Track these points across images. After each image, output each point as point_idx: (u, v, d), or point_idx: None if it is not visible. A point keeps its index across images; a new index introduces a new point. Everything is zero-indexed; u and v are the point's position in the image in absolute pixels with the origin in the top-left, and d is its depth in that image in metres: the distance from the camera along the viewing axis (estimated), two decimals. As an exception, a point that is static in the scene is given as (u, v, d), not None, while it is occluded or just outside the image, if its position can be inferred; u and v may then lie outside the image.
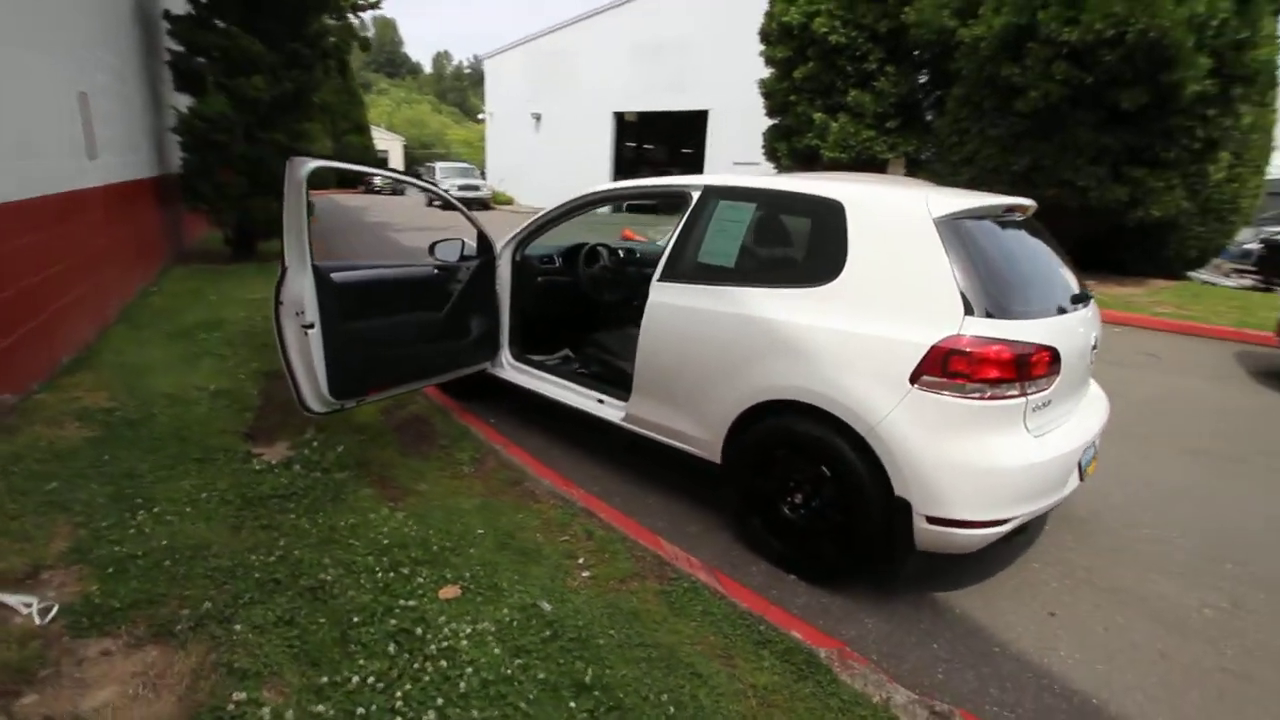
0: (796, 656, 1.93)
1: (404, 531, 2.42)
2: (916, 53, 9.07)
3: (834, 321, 2.28)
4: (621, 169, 24.64)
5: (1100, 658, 2.10)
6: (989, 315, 2.08)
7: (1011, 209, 2.57)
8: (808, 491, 2.39)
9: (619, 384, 3.26)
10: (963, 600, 2.36)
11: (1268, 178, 10.01)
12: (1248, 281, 10.56)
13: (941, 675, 2.00)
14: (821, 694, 1.80)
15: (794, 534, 2.45)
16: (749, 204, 2.67)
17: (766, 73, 11.95)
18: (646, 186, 3.15)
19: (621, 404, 3.05)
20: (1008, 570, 2.55)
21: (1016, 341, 2.07)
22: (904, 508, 2.13)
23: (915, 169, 10.60)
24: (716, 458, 2.65)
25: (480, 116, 34.02)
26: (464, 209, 3.43)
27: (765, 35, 11.24)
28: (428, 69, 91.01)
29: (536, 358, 3.92)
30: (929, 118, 9.92)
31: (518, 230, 3.63)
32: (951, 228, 2.20)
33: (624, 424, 3.01)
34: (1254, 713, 1.91)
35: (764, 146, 12.31)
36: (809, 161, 11.04)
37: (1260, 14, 7.18)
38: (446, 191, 3.60)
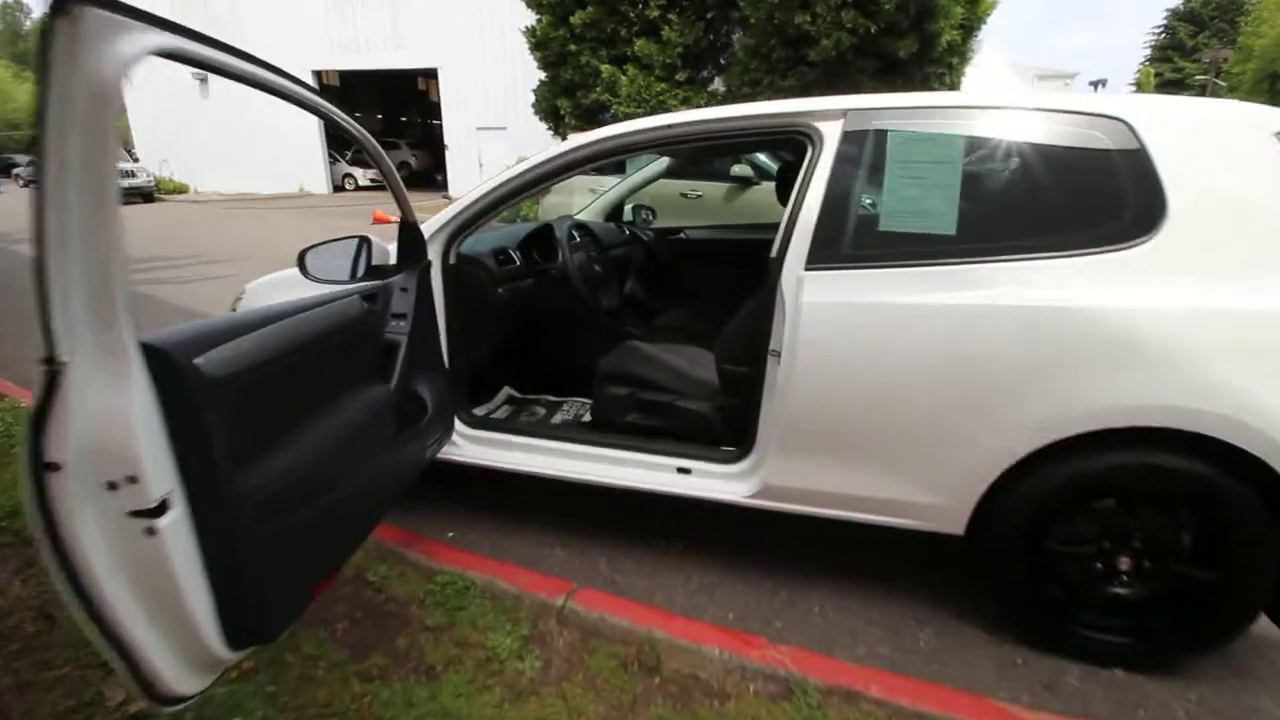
0: None
1: None
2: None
3: (1178, 298, 1.48)
4: (330, 142, 20.81)
5: None
6: None
7: None
8: (1148, 552, 1.61)
9: (690, 435, 2.08)
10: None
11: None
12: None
13: None
14: None
15: (1121, 611, 1.65)
16: (953, 136, 1.69)
17: (517, 22, 10.60)
18: (712, 124, 1.91)
19: (736, 470, 1.89)
20: None
21: None
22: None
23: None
24: (957, 528, 1.70)
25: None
26: (389, 167, 1.75)
27: (525, -26, 9.85)
28: (-8, 20, 66.95)
29: (484, 412, 2.47)
30: (721, 64, 9.73)
31: (441, 217, 2.10)
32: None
33: (754, 502, 1.87)
34: None
35: (537, 105, 11.02)
36: (597, 119, 10.13)
37: (987, -30, 8.24)
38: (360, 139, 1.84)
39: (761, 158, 6.41)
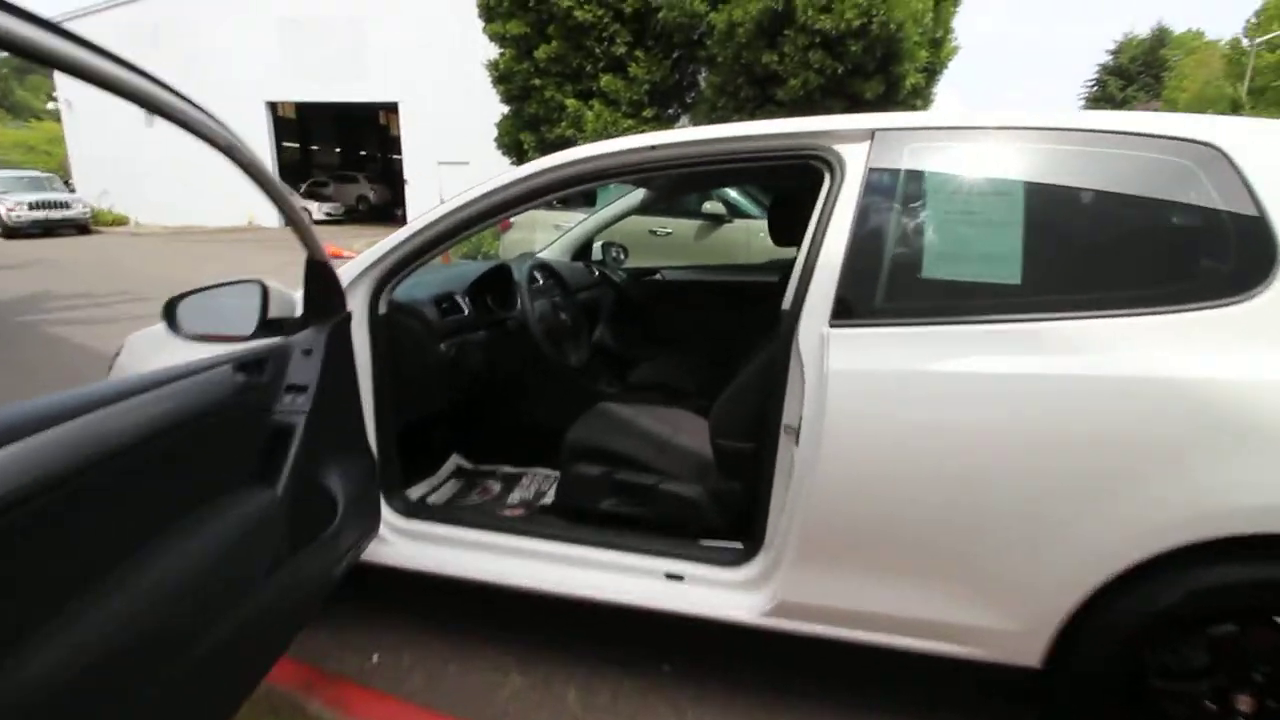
0: None
1: None
2: (673, 37, 8.60)
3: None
4: (285, 174, 20.16)
5: None
6: None
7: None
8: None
9: (680, 526, 1.68)
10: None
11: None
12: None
13: None
14: None
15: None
16: (1012, 163, 1.37)
17: (479, 55, 10.37)
18: (706, 145, 1.55)
19: (742, 576, 1.48)
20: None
21: None
22: None
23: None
24: (1032, 659, 1.33)
25: (51, 106, 24.62)
26: (289, 205, 1.31)
27: (488, 8, 9.62)
28: (-74, 44, 64.24)
29: (422, 493, 2.03)
30: (688, 102, 9.62)
31: (368, 256, 1.68)
32: None
33: (769, 623, 1.45)
34: None
35: (499, 139, 10.72)
36: (559, 154, 9.86)
37: (948, 15, 8.36)
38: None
39: (733, 194, 6.18)
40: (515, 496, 2.18)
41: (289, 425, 1.25)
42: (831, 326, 1.33)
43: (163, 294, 1.48)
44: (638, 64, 8.99)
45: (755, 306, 2.70)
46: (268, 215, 19.42)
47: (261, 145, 18.77)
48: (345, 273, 1.65)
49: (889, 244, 1.36)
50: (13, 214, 15.42)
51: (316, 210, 20.35)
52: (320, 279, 1.45)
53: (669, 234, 6.35)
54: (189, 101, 0.98)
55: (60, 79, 20.58)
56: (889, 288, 1.35)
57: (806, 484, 1.34)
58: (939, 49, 8.41)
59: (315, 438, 1.32)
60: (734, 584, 1.50)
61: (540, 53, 9.13)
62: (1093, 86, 41.60)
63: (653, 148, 1.55)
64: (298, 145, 24.13)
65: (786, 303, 1.44)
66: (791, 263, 2.71)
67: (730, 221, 6.26)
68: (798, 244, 2.48)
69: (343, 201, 21.45)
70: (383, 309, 1.71)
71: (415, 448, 2.03)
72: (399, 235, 1.70)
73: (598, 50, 9.05)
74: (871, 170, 1.39)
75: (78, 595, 0.83)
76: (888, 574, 1.35)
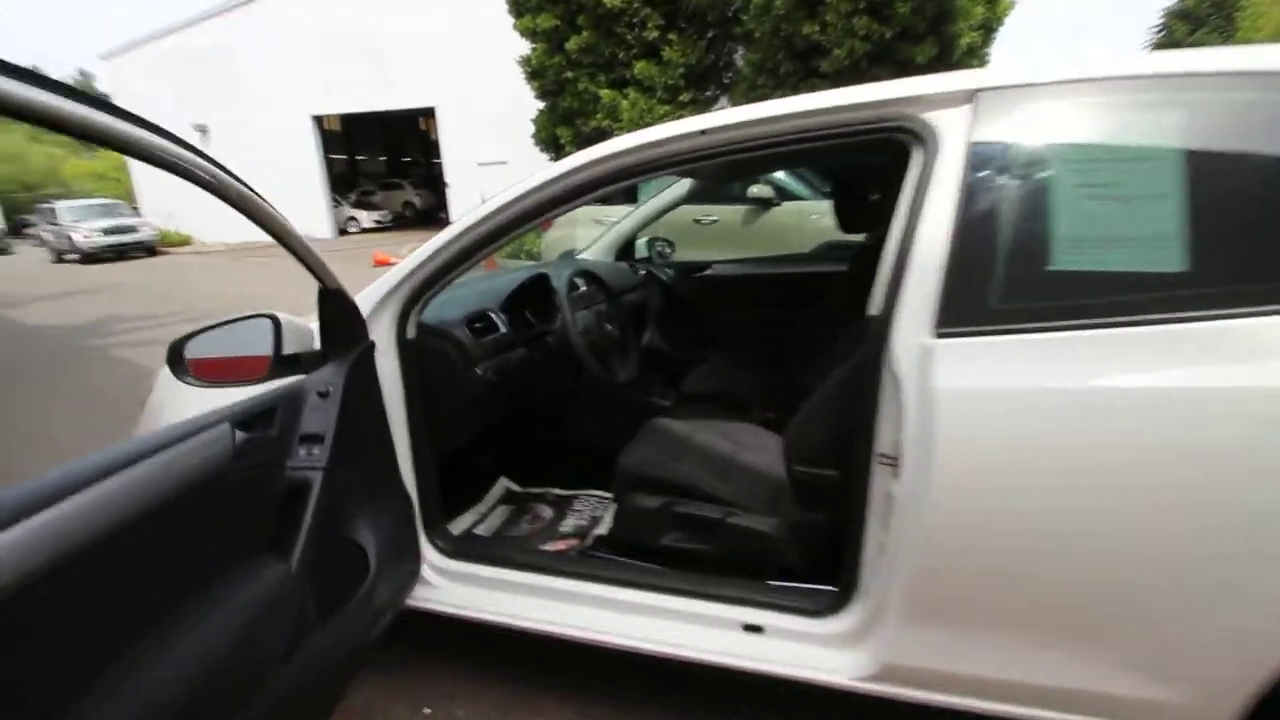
0: None
1: None
2: (706, 16, 8.27)
3: None
4: (335, 186, 20.67)
5: None
6: None
7: None
8: None
9: (753, 564, 1.47)
10: None
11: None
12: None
13: None
14: None
15: None
16: (1166, 119, 1.09)
17: (512, 52, 10.23)
18: (765, 125, 1.30)
19: (835, 630, 1.26)
20: None
21: None
22: None
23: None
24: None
25: (113, 137, 25.86)
26: (282, 229, 1.15)
27: (517, 3, 9.48)
28: (8, 86, 69.04)
29: (470, 524, 1.89)
30: (726, 83, 9.27)
31: (391, 277, 1.52)
32: None
33: (870, 688, 1.23)
34: None
35: (536, 135, 10.61)
36: (597, 147, 9.65)
37: (1004, -33, 7.74)
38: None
39: (780, 175, 5.85)
40: (568, 524, 2.01)
41: (304, 481, 1.10)
42: (937, 336, 1.09)
43: (220, 311, 1.37)
44: (671, 47, 8.68)
45: (818, 300, 2.44)
46: (320, 228, 20.02)
47: (310, 159, 19.32)
48: (368, 296, 1.50)
49: (1005, 231, 1.10)
50: (88, 240, 16.35)
51: (366, 219, 20.81)
52: (336, 309, 1.30)
53: (714, 221, 6.08)
54: (197, 152, 0.86)
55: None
56: (1008, 285, 1.09)
57: (913, 524, 1.11)
58: (994, 3, 7.80)
59: (337, 490, 1.17)
60: (825, 638, 1.28)
61: (571, 44, 8.92)
62: (1159, 33, 38.65)
63: (703, 132, 1.33)
64: (345, 156, 24.71)
65: (874, 307, 1.20)
66: (859, 247, 2.45)
67: (779, 204, 5.95)
68: (870, 230, 2.22)
69: (389, 209, 21.87)
70: (411, 333, 1.54)
71: (459, 475, 1.88)
72: (425, 250, 1.52)
73: (629, 37, 8.78)
74: (976, 140, 1.13)
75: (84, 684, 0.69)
76: (1025, 633, 1.11)
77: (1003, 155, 1.13)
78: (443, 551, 1.62)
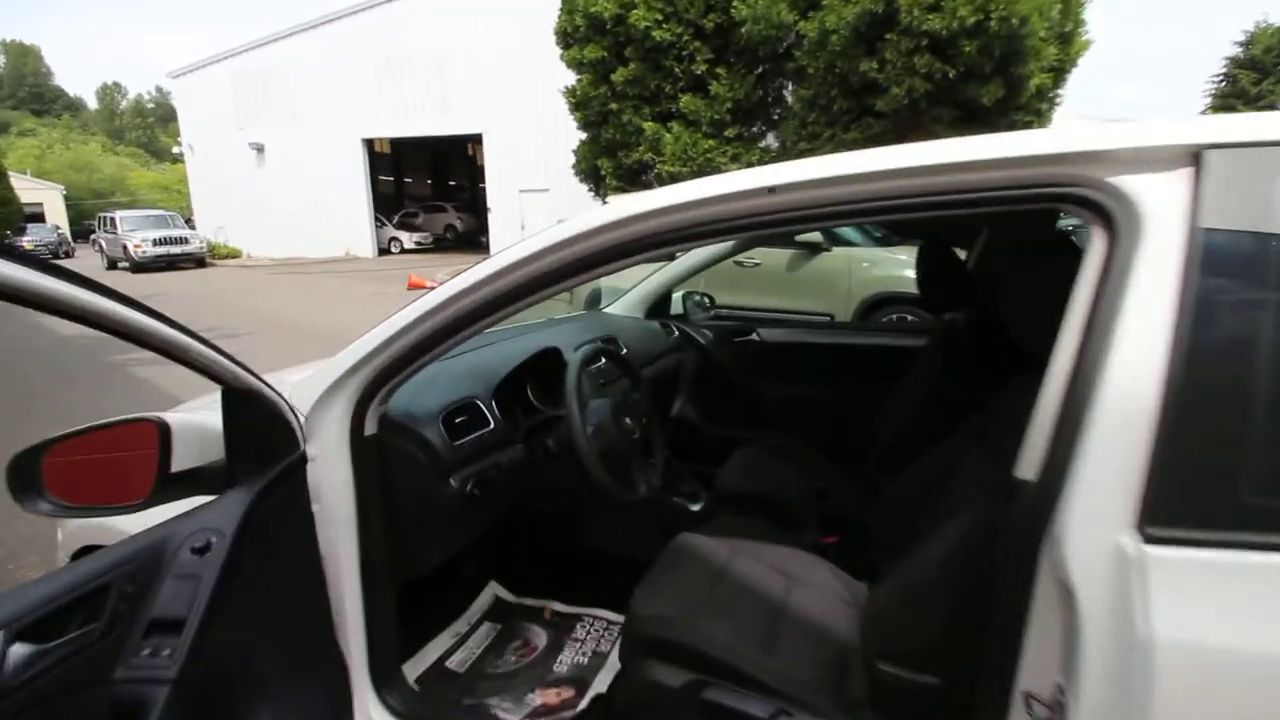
0: None
1: None
2: (757, 51, 8.01)
3: None
4: (381, 206, 21.01)
5: None
6: None
7: None
8: None
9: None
10: None
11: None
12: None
13: None
14: None
15: None
16: None
17: (558, 83, 10.14)
18: (862, 186, 0.92)
19: None
20: None
21: None
22: None
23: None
24: None
25: (176, 150, 27.09)
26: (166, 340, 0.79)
27: (565, 35, 9.39)
28: (92, 104, 73.79)
29: (445, 649, 1.49)
30: (775, 119, 8.95)
31: (351, 354, 1.15)
32: None
33: None
34: None
35: (577, 165, 10.44)
36: (638, 179, 9.42)
37: (1077, 5, 7.30)
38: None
39: (831, 220, 5.45)
40: (565, 660, 1.59)
41: (136, 702, 0.72)
42: (1145, 540, 0.67)
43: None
44: (719, 82, 8.41)
45: (889, 378, 2.02)
46: (363, 247, 20.31)
47: (357, 180, 19.69)
48: (318, 379, 1.14)
49: (1266, 372, 0.68)
50: (139, 250, 16.86)
51: (407, 240, 21.05)
52: (247, 415, 0.93)
53: (757, 265, 5.69)
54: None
55: (185, 124, 22.55)
56: (1271, 458, 0.67)
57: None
58: (1068, 44, 7.33)
59: (200, 700, 0.78)
60: None
61: (617, 76, 8.74)
62: (1221, 82, 37.23)
63: (772, 190, 0.94)
64: (392, 179, 25.22)
65: (1024, 470, 0.79)
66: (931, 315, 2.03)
67: (829, 250, 5.53)
68: (957, 309, 1.80)
69: (431, 231, 22.10)
70: (371, 429, 1.18)
71: (436, 587, 1.50)
72: (399, 320, 1.15)
73: (677, 70, 8.55)
74: (1207, 225, 0.72)
75: None
76: None
77: (1255, 250, 0.71)
78: (395, 713, 1.22)
